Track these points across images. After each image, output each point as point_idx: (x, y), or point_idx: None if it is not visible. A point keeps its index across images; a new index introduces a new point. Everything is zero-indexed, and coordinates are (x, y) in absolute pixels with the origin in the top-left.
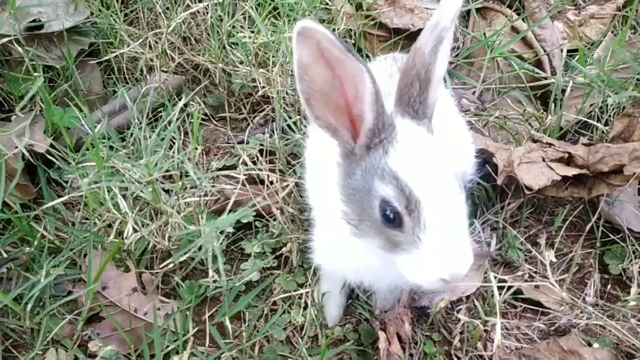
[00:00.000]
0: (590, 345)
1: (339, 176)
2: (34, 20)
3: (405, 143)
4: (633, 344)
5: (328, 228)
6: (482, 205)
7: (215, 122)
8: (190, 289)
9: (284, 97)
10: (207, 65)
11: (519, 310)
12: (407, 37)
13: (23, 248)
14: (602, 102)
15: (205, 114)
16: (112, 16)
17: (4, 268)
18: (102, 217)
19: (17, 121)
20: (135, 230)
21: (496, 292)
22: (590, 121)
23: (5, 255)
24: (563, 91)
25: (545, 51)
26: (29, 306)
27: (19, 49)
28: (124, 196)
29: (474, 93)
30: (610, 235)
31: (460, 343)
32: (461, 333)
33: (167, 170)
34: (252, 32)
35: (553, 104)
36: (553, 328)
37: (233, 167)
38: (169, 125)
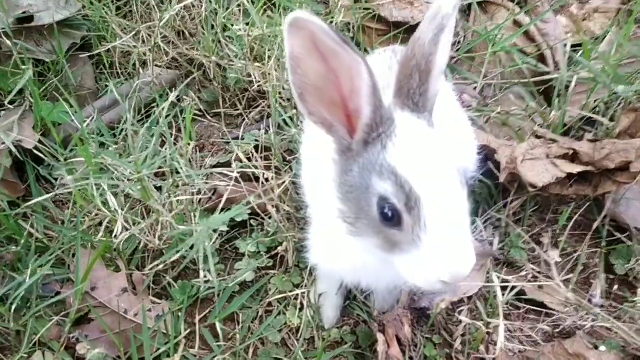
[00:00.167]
0: (596, 348)
1: (335, 173)
2: (23, 13)
3: (405, 137)
4: None
5: (325, 227)
6: (484, 203)
7: (209, 118)
8: (182, 290)
9: (280, 92)
10: (202, 59)
11: (522, 311)
12: (407, 31)
13: (9, 247)
14: (609, 96)
15: (200, 110)
16: (104, 9)
17: None
18: (91, 215)
19: (6, 116)
20: (125, 229)
21: (499, 292)
22: (595, 116)
23: None
24: (567, 87)
25: (548, 46)
26: (14, 307)
27: (8, 42)
28: (114, 194)
29: (475, 88)
30: (616, 234)
31: (462, 346)
32: (463, 335)
33: (159, 167)
34: (247, 24)
35: (557, 100)
36: (558, 330)
37: (227, 164)
38: (162, 121)
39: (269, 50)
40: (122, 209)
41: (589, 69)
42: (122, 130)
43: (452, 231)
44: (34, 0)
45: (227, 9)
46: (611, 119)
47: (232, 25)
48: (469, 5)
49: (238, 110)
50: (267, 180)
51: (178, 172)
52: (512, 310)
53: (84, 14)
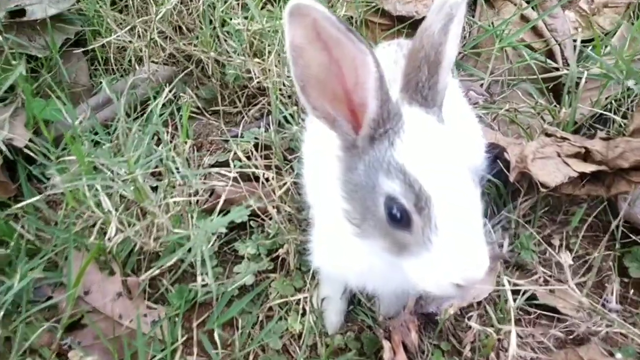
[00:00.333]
0: (612, 355)
1: (339, 171)
2: (15, 6)
3: (414, 133)
4: None
5: (328, 228)
6: (492, 203)
7: (207, 116)
8: (179, 294)
9: (280, 89)
10: (200, 55)
11: (533, 316)
12: (411, 26)
13: None
14: (621, 92)
15: (198, 108)
16: (98, 3)
17: None
18: (84, 217)
19: None
20: (120, 231)
21: (510, 297)
22: (607, 114)
23: None
24: (576, 84)
25: (556, 41)
26: (3, 312)
27: None
28: (108, 194)
29: (481, 85)
30: (631, 235)
31: (472, 353)
32: (472, 342)
33: (155, 167)
34: (246, 18)
35: (567, 96)
36: (571, 337)
37: (226, 163)
38: (158, 119)
39: (269, 46)
40: (117, 210)
41: (601, 65)
42: (116, 128)
43: (465, 232)
44: None
45: (226, 2)
46: (623, 116)
47: (231, 19)
48: (475, 0)
49: (237, 107)
50: (267, 180)
51: (173, 172)
52: (522, 315)
53: (78, 8)
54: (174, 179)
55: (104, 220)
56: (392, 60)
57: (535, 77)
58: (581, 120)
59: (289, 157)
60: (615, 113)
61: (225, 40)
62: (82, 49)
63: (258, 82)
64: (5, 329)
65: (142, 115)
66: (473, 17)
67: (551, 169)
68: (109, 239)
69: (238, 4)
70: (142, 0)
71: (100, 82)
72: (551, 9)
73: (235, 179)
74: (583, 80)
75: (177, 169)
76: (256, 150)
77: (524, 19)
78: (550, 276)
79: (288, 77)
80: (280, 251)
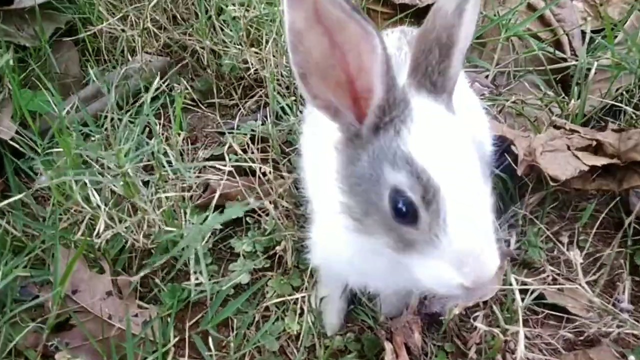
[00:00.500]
0: (624, 357)
1: (339, 163)
2: None
3: (421, 122)
4: None
5: (328, 224)
6: (498, 199)
7: (203, 108)
8: (172, 293)
9: (277, 79)
10: (195, 45)
11: (541, 316)
12: (413, 14)
13: None
14: (633, 83)
15: (193, 100)
16: None
17: None
18: (72, 211)
19: None
20: (110, 227)
21: (518, 296)
22: (619, 105)
23: None
24: (585, 75)
25: (564, 31)
26: None
27: None
28: (98, 189)
29: (487, 76)
30: None
31: (477, 355)
32: (478, 343)
33: (147, 160)
34: (243, 4)
35: (576, 88)
36: (581, 338)
37: (221, 156)
38: (151, 111)
39: (266, 34)
40: (106, 205)
41: (612, 54)
42: (104, 121)
43: (475, 229)
44: None
45: None
46: (635, 107)
47: (227, 6)
48: None
49: (233, 99)
50: (264, 174)
51: (167, 165)
52: (530, 315)
53: None
54: (166, 172)
55: (93, 215)
56: (395, 47)
57: (542, 68)
58: (591, 112)
59: (286, 150)
60: (626, 104)
61: (222, 29)
62: (73, 38)
63: (255, 72)
64: None
65: (135, 107)
66: None
67: (561, 162)
68: (97, 235)
69: None
70: None
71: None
72: None
73: (230, 173)
74: (593, 71)
75: (169, 162)
76: (253, 143)
77: (531, 7)
78: (558, 274)
79: (286, 66)
80: (278, 248)
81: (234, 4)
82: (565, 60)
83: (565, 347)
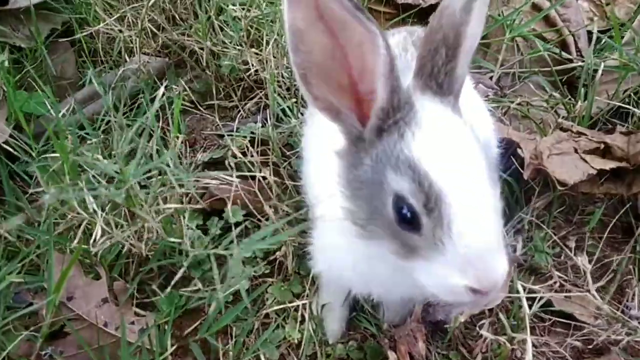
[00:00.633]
0: None
1: (342, 167)
2: None
3: (426, 125)
4: None
5: (331, 230)
6: (504, 203)
7: (202, 110)
8: (169, 300)
9: (278, 81)
10: (194, 46)
11: (548, 324)
12: (417, 15)
13: None
14: None
15: (191, 102)
16: None
17: None
18: (68, 217)
19: None
20: (107, 233)
21: (525, 304)
22: (627, 106)
23: None
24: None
25: (570, 31)
26: None
27: None
28: (95, 195)
29: (491, 78)
30: None
31: None
32: (484, 352)
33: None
34: (243, 5)
35: (583, 89)
36: (590, 346)
37: (221, 160)
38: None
39: (267, 35)
40: (103, 210)
41: (620, 54)
42: (100, 123)
43: (481, 233)
44: None
45: None
46: None
47: (227, 6)
48: None
49: (233, 101)
50: (264, 177)
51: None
52: (537, 322)
53: None
54: (166, 177)
55: (89, 221)
56: (401, 48)
57: (547, 69)
58: (597, 115)
59: (287, 153)
60: (634, 106)
61: (222, 29)
62: (68, 39)
63: (255, 73)
64: None
65: (130, 110)
66: None
67: (569, 166)
68: (94, 242)
69: None
70: None
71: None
72: None
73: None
74: (600, 72)
75: (167, 165)
76: (252, 146)
77: (536, 7)
78: (565, 280)
79: (287, 67)
80: (278, 254)
81: (234, 4)
82: (571, 61)
83: (573, 356)
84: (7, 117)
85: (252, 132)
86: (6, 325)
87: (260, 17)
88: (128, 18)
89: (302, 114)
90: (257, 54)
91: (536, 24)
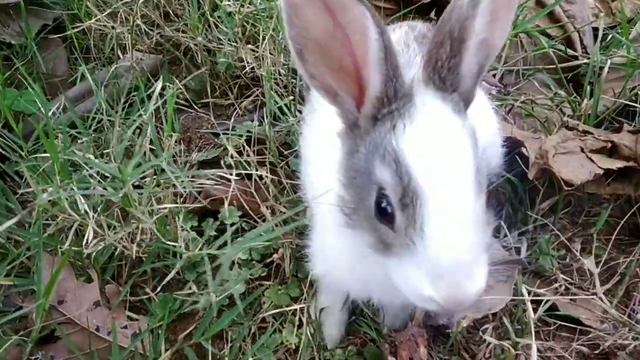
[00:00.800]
0: None
1: (341, 155)
2: None
3: (420, 120)
4: None
5: (330, 231)
6: (507, 203)
7: (197, 109)
8: (163, 303)
9: (275, 78)
10: (188, 42)
11: (553, 328)
12: (418, 10)
13: None
14: None
15: (186, 100)
16: None
17: None
18: (58, 218)
19: None
20: (100, 235)
21: (530, 308)
22: (634, 105)
23: None
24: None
25: (575, 28)
26: None
27: None
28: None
29: (494, 75)
30: None
31: None
32: (487, 357)
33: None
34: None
35: (588, 87)
36: (596, 351)
37: (216, 159)
38: (143, 112)
39: (263, 31)
40: (95, 210)
41: (628, 50)
42: (92, 121)
43: (454, 242)
44: None
45: None
46: None
47: (222, 2)
48: None
49: (229, 99)
50: (260, 177)
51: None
52: (541, 326)
53: None
54: (160, 177)
55: (80, 222)
56: (402, 43)
57: (552, 66)
58: (603, 113)
59: (284, 153)
60: None
61: (216, 26)
62: (61, 35)
63: (251, 70)
64: None
65: (128, 106)
66: None
67: (575, 166)
68: (86, 244)
69: None
70: None
71: (81, 73)
72: None
73: (225, 177)
74: (606, 70)
75: (162, 165)
76: (249, 145)
77: (540, 3)
78: (571, 283)
79: (284, 64)
80: (275, 256)
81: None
82: (576, 58)
83: None
84: None
85: (248, 131)
86: None
87: (256, 12)
88: (121, 14)
89: (300, 112)
90: (253, 50)
91: (540, 20)
